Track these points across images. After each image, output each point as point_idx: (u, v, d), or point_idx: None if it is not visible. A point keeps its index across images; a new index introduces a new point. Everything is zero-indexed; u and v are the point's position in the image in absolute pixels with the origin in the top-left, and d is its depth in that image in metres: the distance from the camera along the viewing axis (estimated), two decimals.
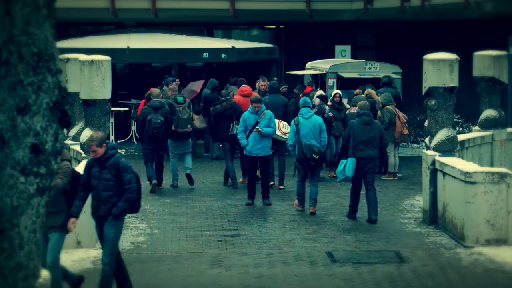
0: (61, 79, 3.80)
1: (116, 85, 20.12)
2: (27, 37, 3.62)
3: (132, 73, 31.98)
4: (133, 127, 24.65)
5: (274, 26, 32.79)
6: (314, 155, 15.45)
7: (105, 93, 14.70)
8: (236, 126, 17.57)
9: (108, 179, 10.60)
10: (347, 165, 15.04)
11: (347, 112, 19.59)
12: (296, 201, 16.14)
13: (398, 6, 26.25)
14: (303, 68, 26.10)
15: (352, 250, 13.14)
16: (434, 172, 14.82)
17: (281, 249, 13.20)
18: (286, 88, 24.38)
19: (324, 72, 24.16)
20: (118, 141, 24.55)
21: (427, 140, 15.84)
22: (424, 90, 15.33)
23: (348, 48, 28.25)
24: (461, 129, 24.09)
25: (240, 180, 18.58)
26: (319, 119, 16.02)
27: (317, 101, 19.14)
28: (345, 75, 23.51)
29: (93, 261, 12.39)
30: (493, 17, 25.09)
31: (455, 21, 26.81)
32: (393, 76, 22.70)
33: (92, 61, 14.55)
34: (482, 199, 13.14)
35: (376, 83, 22.40)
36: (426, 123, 15.90)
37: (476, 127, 18.77)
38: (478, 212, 13.16)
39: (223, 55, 25.95)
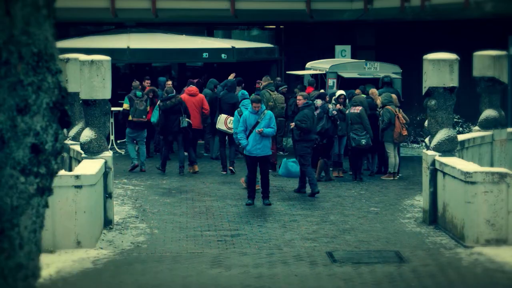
0: (61, 79, 3.80)
1: (116, 85, 20.17)
2: (27, 37, 3.62)
3: (132, 73, 31.97)
4: None
5: (274, 26, 32.80)
6: None
7: (105, 93, 14.71)
8: (186, 119, 20.30)
9: None
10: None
11: (347, 112, 19.59)
12: (242, 179, 18.40)
13: (398, 6, 26.25)
14: (303, 68, 26.10)
15: (352, 250, 13.14)
16: (434, 172, 14.82)
17: (281, 249, 13.20)
18: (285, 88, 24.40)
19: (324, 72, 24.16)
20: (118, 141, 24.54)
21: (427, 140, 15.84)
22: (424, 90, 15.33)
23: (348, 48, 28.25)
24: (461, 129, 24.10)
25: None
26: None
27: (318, 102, 19.12)
28: (345, 75, 23.51)
29: (93, 261, 12.38)
30: (493, 17, 25.11)
31: (455, 21, 26.82)
32: (393, 76, 22.70)
33: (92, 61, 14.56)
34: (482, 199, 13.14)
35: (376, 83, 22.40)
36: (426, 123, 15.90)
37: (476, 127, 18.77)
38: (478, 212, 13.16)
39: (223, 55, 25.96)
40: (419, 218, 15.42)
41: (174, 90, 21.40)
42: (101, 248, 13.10)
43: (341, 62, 25.09)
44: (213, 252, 13.01)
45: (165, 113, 20.34)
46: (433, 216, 14.81)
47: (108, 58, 14.93)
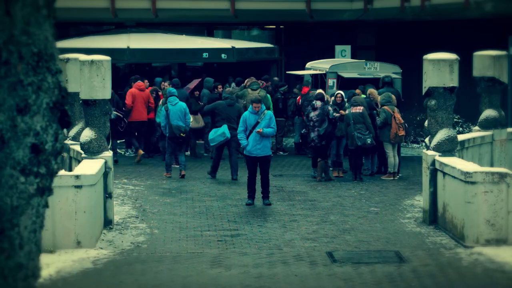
0: (61, 79, 3.80)
1: (116, 85, 20.17)
2: (27, 37, 3.61)
3: (132, 73, 31.95)
4: None
5: (274, 26, 32.79)
6: (181, 134, 19.53)
7: (105, 93, 14.71)
8: (114, 112, 21.14)
9: None
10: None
11: (347, 112, 19.59)
12: (165, 173, 19.81)
13: (398, 6, 26.25)
14: (303, 68, 26.10)
15: (352, 250, 13.14)
16: (434, 172, 14.82)
17: (281, 249, 13.19)
18: (286, 88, 24.42)
19: (324, 72, 24.15)
20: (118, 141, 24.54)
21: (427, 140, 15.84)
22: (424, 90, 15.33)
23: (348, 48, 28.25)
24: (461, 129, 24.10)
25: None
26: (183, 105, 19.74)
27: (318, 103, 19.13)
28: (345, 75, 23.51)
29: (93, 261, 12.38)
30: (493, 17, 25.10)
31: (455, 21, 26.81)
32: (393, 76, 22.70)
33: (92, 61, 14.55)
34: (482, 199, 13.14)
35: (376, 83, 22.39)
36: (426, 123, 15.90)
37: (476, 127, 18.77)
38: (478, 212, 13.16)
39: (223, 55, 25.95)
40: (419, 218, 15.42)
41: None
42: (101, 248, 13.10)
43: (341, 62, 25.09)
44: (213, 252, 13.01)
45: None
46: (433, 216, 14.81)
47: (108, 58, 14.92)
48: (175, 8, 27.98)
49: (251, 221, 15.26)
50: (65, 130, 3.95)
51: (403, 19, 27.47)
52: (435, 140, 15.12)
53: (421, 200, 15.91)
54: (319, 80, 24.73)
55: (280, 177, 19.81)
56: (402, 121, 19.78)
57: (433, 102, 15.16)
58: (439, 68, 14.99)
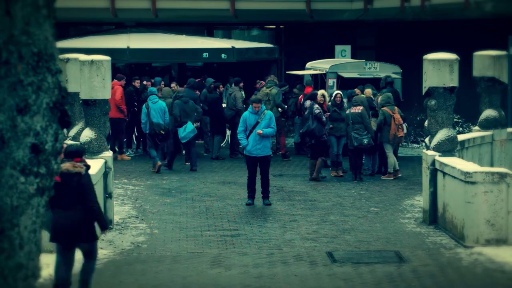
0: (61, 79, 3.80)
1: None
2: (27, 37, 3.61)
3: (132, 73, 31.96)
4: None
5: (274, 26, 32.79)
6: (161, 131, 20.25)
7: (105, 93, 14.71)
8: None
9: None
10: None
11: (347, 112, 19.59)
12: (152, 168, 20.55)
13: (398, 6, 26.25)
14: (303, 68, 26.10)
15: (352, 250, 13.14)
16: (434, 172, 14.82)
17: (281, 249, 13.19)
18: (287, 88, 24.40)
19: (324, 72, 24.15)
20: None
21: (427, 140, 15.84)
22: (424, 90, 15.33)
23: (348, 48, 28.25)
24: (461, 129, 24.09)
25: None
26: (163, 103, 20.53)
27: (307, 103, 19.32)
28: (345, 75, 23.51)
29: None
30: (493, 17, 25.10)
31: (455, 21, 26.81)
32: (393, 76, 22.70)
33: (92, 61, 14.55)
34: (482, 199, 13.14)
35: (376, 83, 22.40)
36: (426, 123, 15.90)
37: (476, 127, 18.77)
38: (478, 212, 13.16)
39: (223, 55, 25.95)
40: (419, 218, 15.42)
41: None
42: (101, 248, 13.09)
43: (341, 62, 25.09)
44: (213, 252, 13.01)
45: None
46: (433, 216, 14.81)
47: (108, 58, 14.92)
48: (175, 8, 27.97)
49: (251, 221, 15.26)
50: (65, 130, 3.95)
51: (403, 19, 27.47)
52: (435, 140, 15.13)
53: (421, 200, 15.91)
54: (319, 80, 24.73)
55: (280, 177, 19.81)
56: (402, 122, 19.78)
57: (433, 102, 15.16)
58: (439, 68, 14.99)
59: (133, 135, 24.25)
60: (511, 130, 19.19)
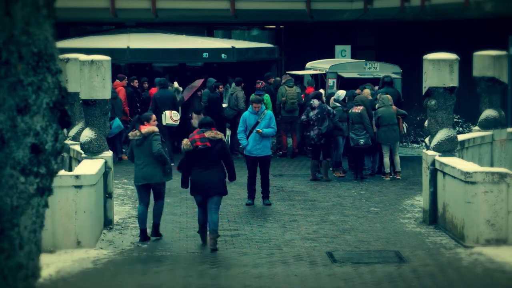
0: (61, 79, 3.80)
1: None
2: (27, 37, 3.61)
3: (132, 73, 31.94)
4: None
5: (274, 26, 32.79)
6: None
7: (105, 93, 14.70)
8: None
9: None
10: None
11: (350, 111, 19.60)
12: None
13: (398, 6, 26.25)
14: (303, 68, 26.09)
15: (352, 250, 13.14)
16: (434, 172, 14.82)
17: (281, 249, 13.19)
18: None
19: (324, 72, 24.16)
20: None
21: (427, 140, 15.84)
22: (424, 90, 15.33)
23: (348, 48, 28.25)
24: (461, 129, 24.09)
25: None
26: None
27: (315, 102, 19.15)
28: (345, 75, 23.51)
29: (93, 261, 12.38)
30: (493, 17, 25.10)
31: (455, 21, 26.81)
32: (393, 76, 22.70)
33: (92, 61, 14.55)
34: (482, 199, 13.13)
35: (376, 83, 22.39)
36: (426, 123, 15.90)
37: (476, 127, 18.77)
38: (478, 212, 13.16)
39: (223, 55, 25.94)
40: (419, 218, 15.42)
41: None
42: (101, 248, 13.10)
43: (341, 62, 25.08)
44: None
45: None
46: (433, 216, 14.81)
47: (108, 58, 14.92)
48: (175, 8, 27.97)
49: (251, 221, 15.26)
50: (65, 130, 3.94)
51: (403, 19, 27.47)
52: (435, 140, 15.12)
53: (421, 200, 15.91)
54: (319, 80, 24.73)
55: (280, 177, 19.81)
56: (400, 118, 19.83)
57: (433, 102, 15.16)
58: (439, 68, 14.99)
59: None
60: (511, 130, 19.19)
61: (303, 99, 22.88)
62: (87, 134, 14.83)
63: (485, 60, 17.98)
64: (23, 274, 3.71)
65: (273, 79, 24.85)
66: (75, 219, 12.95)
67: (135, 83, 23.68)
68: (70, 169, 15.80)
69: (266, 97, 22.46)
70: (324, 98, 20.46)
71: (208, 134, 13.23)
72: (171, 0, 27.86)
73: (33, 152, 3.70)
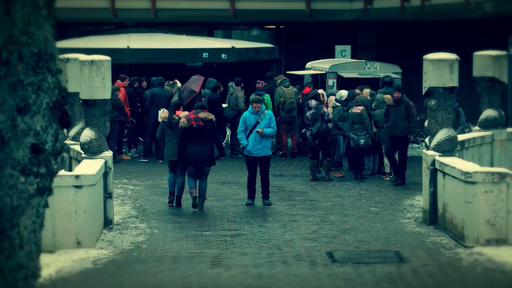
0: (61, 79, 3.80)
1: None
2: (27, 37, 3.61)
3: (132, 73, 31.93)
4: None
5: (274, 26, 32.79)
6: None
7: (105, 93, 14.70)
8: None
9: None
10: None
11: (350, 111, 19.60)
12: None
13: (398, 6, 26.25)
14: (303, 68, 26.10)
15: (352, 250, 13.14)
16: (434, 172, 14.81)
17: (281, 249, 13.19)
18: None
19: (324, 72, 24.16)
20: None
21: (427, 140, 15.84)
22: (424, 90, 15.32)
23: (348, 48, 28.25)
24: None
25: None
26: None
27: (312, 102, 19.20)
28: (345, 75, 23.51)
29: (93, 261, 12.38)
30: (493, 17, 25.11)
31: (455, 21, 26.82)
32: (393, 76, 22.70)
33: (92, 61, 14.55)
34: (482, 199, 13.13)
35: (376, 83, 22.40)
36: (426, 123, 15.90)
37: (476, 127, 18.77)
38: (478, 212, 13.15)
39: (223, 55, 25.95)
40: (419, 218, 15.42)
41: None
42: (101, 248, 13.10)
43: (341, 62, 25.09)
44: (213, 252, 13.01)
45: None
46: (433, 216, 14.81)
47: (108, 58, 14.92)
48: (175, 8, 27.97)
49: (251, 221, 15.26)
50: (65, 130, 3.94)
51: (403, 19, 27.47)
52: (435, 140, 15.12)
53: (421, 200, 15.91)
54: (319, 80, 24.74)
55: (280, 177, 19.82)
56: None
57: (433, 102, 15.15)
58: (439, 68, 14.99)
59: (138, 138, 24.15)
60: (511, 130, 19.19)
61: (301, 99, 22.90)
62: (87, 134, 14.82)
63: (485, 60, 17.98)
64: (23, 274, 3.71)
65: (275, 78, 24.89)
66: (75, 219, 12.95)
67: (136, 84, 23.68)
68: (70, 169, 15.80)
69: (267, 97, 22.48)
70: (323, 98, 20.47)
71: (201, 115, 15.81)
72: (171, 0, 27.87)
73: (33, 152, 3.70)
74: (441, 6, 25.28)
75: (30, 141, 3.68)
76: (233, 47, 26.17)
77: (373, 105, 19.81)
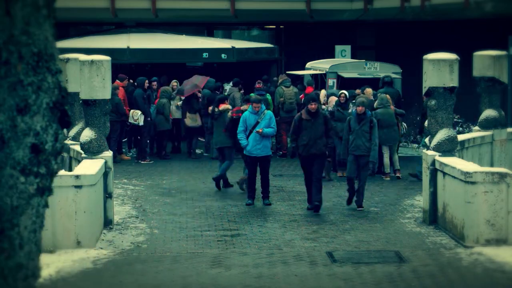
0: (61, 79, 3.80)
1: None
2: (27, 37, 3.61)
3: (132, 73, 31.93)
4: None
5: (274, 26, 32.79)
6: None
7: (105, 93, 14.70)
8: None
9: None
10: None
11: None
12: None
13: (398, 6, 26.25)
14: (303, 68, 26.10)
15: (352, 250, 13.14)
16: (434, 172, 14.82)
17: (281, 249, 13.19)
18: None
19: (324, 72, 24.16)
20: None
21: (427, 140, 15.84)
22: (424, 90, 15.33)
23: (348, 48, 28.25)
24: (461, 129, 24.08)
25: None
26: None
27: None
28: (345, 75, 23.51)
29: (93, 261, 12.38)
30: (493, 17, 25.10)
31: (455, 21, 26.81)
32: (393, 76, 22.71)
33: (92, 61, 14.55)
34: (482, 199, 13.13)
35: (376, 83, 22.40)
36: (426, 123, 15.90)
37: (476, 127, 18.77)
38: (478, 212, 13.16)
39: (223, 55, 25.95)
40: (419, 218, 15.42)
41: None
42: (101, 248, 13.10)
43: (341, 62, 25.09)
44: (213, 252, 13.01)
45: None
46: (433, 216, 14.81)
47: (108, 58, 14.92)
48: (175, 8, 27.97)
49: (251, 221, 15.26)
50: (65, 130, 3.94)
51: (403, 19, 27.47)
52: (435, 140, 15.12)
53: (421, 200, 15.91)
54: (319, 80, 24.74)
55: (280, 177, 19.81)
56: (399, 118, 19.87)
57: (433, 102, 15.16)
58: (439, 68, 14.99)
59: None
60: (511, 130, 19.19)
61: (302, 99, 22.89)
62: (87, 134, 14.82)
63: (485, 60, 17.98)
64: (23, 274, 3.71)
65: (274, 79, 24.91)
66: (75, 219, 12.95)
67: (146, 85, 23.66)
68: (70, 169, 15.80)
69: (269, 96, 22.51)
70: (323, 99, 20.46)
71: (224, 106, 18.45)
72: (171, 0, 27.87)
73: (33, 152, 3.70)
74: (441, 6, 25.28)
75: (30, 141, 3.68)
76: (233, 47, 26.18)
77: (375, 104, 19.79)
